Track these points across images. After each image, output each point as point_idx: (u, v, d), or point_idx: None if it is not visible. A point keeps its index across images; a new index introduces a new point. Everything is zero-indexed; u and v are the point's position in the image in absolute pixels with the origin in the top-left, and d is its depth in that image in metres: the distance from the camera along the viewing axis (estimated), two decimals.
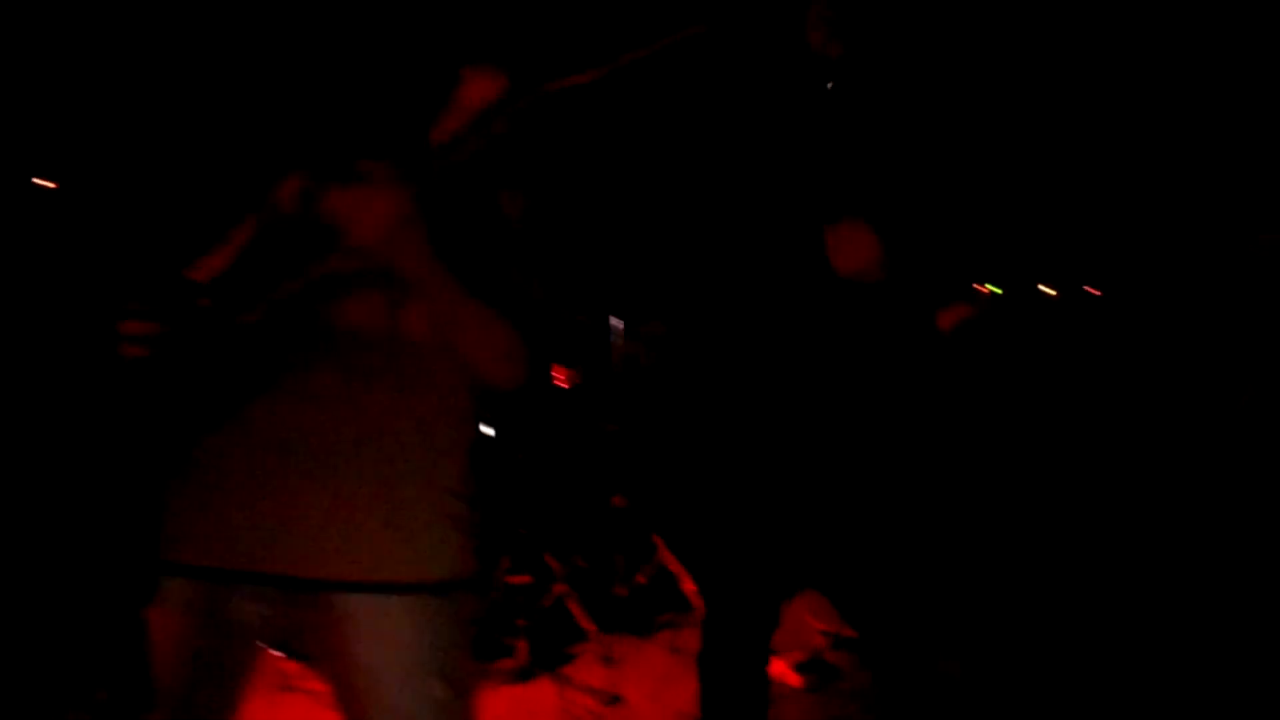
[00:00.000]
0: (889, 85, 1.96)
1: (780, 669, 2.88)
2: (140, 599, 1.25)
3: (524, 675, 2.91)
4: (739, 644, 2.12)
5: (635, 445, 3.56)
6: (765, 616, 2.13)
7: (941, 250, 2.02)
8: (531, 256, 1.32)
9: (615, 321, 3.47)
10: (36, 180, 2.85)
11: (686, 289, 2.10)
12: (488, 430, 3.25)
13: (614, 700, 2.76)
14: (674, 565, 3.43)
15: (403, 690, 1.19)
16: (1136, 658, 2.91)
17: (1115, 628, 3.13)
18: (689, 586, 3.35)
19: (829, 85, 1.93)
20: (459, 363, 1.27)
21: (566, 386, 3.32)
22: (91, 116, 3.28)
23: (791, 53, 1.95)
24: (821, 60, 1.92)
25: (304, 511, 1.19)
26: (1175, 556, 3.58)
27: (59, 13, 3.11)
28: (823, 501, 2.01)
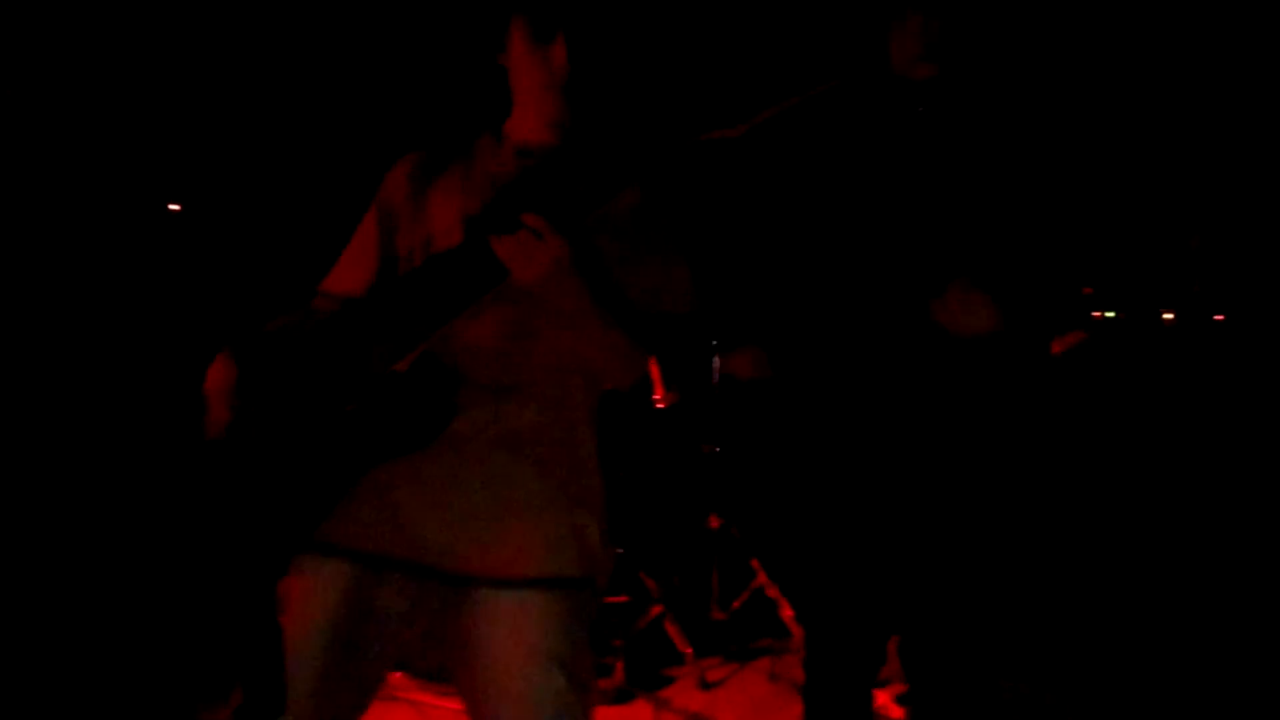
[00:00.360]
0: (982, 106, 1.91)
1: (883, 700, 2.81)
2: (273, 595, 1.32)
3: (621, 697, 2.91)
4: (843, 675, 2.09)
5: (734, 467, 3.53)
6: (869, 648, 2.09)
7: (1054, 281, 1.96)
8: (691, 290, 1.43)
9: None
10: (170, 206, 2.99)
11: (795, 317, 2.10)
12: None
13: None
14: (772, 590, 3.38)
15: (528, 679, 1.28)
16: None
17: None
18: (787, 613, 3.30)
19: (919, 109, 1.89)
20: (591, 382, 1.40)
21: (665, 407, 3.32)
22: (214, 139, 3.43)
23: (880, 82, 1.92)
24: (908, 85, 1.88)
25: (456, 511, 1.32)
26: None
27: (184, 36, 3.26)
28: (927, 529, 1.97)
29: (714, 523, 3.40)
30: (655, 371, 3.12)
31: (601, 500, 1.41)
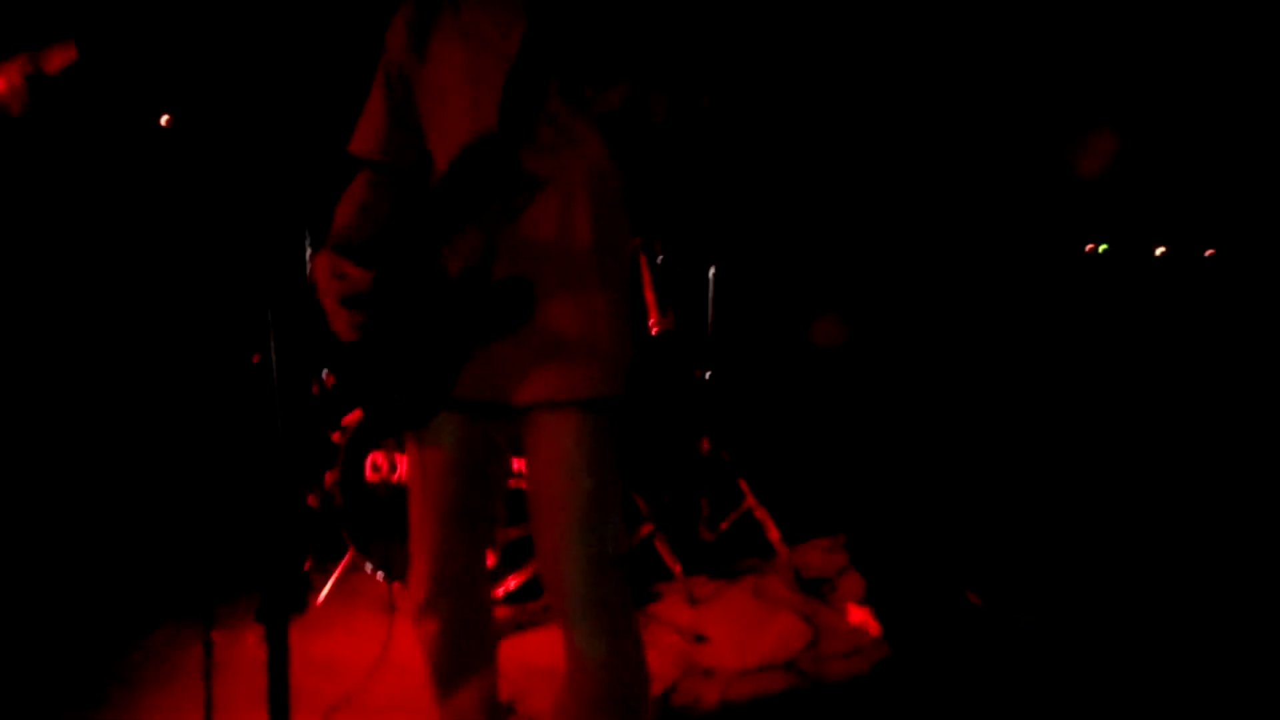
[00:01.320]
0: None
1: (861, 616, 2.92)
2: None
3: None
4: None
5: (725, 392, 3.59)
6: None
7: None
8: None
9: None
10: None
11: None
12: None
13: (699, 639, 2.84)
14: (760, 512, 3.47)
15: (560, 479, 1.56)
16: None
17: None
18: (773, 534, 3.39)
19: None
20: (620, 255, 1.62)
21: (659, 332, 3.35)
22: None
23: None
24: None
25: (508, 361, 1.57)
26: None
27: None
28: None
29: (705, 446, 3.47)
30: (650, 297, 3.14)
31: (627, 334, 1.63)
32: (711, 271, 3.42)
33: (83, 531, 3.29)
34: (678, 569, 3.17)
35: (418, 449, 1.68)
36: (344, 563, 2.98)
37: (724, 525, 3.49)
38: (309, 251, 3.08)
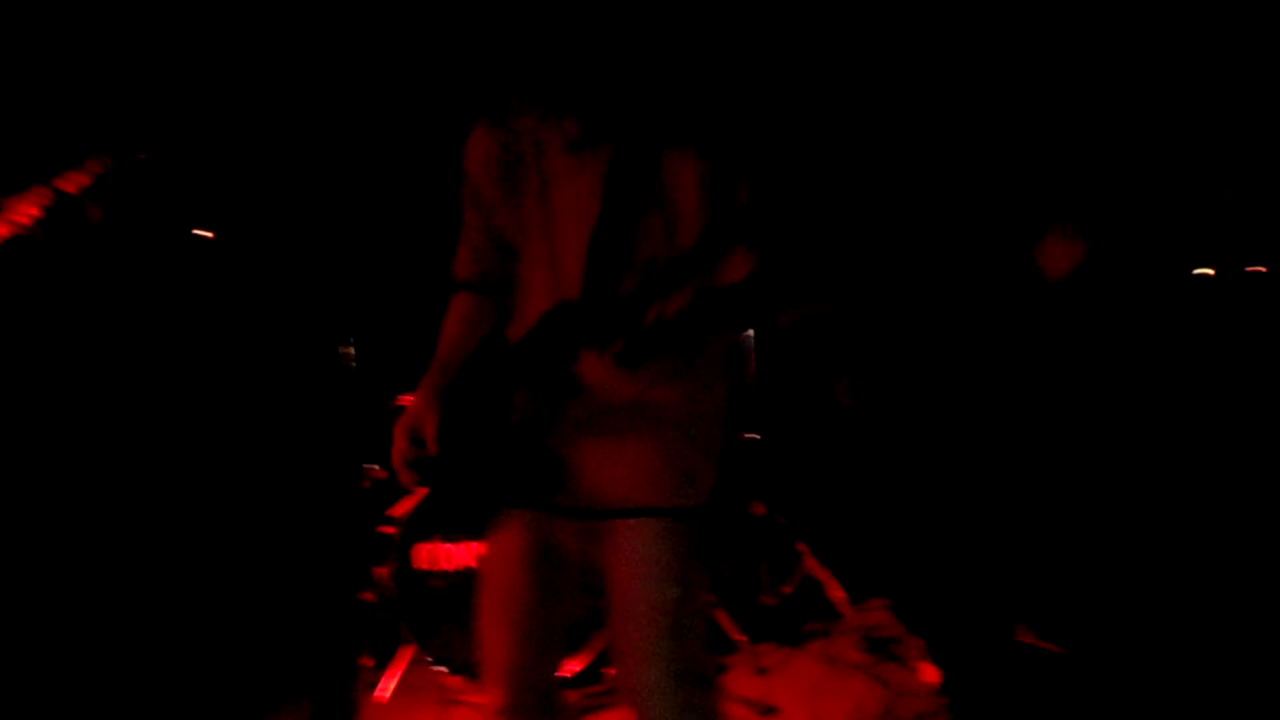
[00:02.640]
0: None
1: (935, 674, 2.82)
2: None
3: None
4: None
5: (775, 454, 3.54)
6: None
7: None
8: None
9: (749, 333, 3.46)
10: (197, 231, 3.06)
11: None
12: None
13: (769, 710, 2.75)
14: (819, 573, 3.39)
15: (647, 593, 1.53)
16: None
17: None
18: (837, 594, 3.31)
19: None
20: (722, 354, 1.62)
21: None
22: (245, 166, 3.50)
23: None
24: None
25: (594, 461, 1.57)
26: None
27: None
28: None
29: (758, 510, 3.41)
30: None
31: (718, 447, 1.63)
32: (750, 331, 3.40)
33: (130, 635, 3.29)
34: (742, 639, 3.10)
35: (489, 549, 1.69)
36: (405, 656, 2.95)
37: (786, 589, 3.41)
38: (352, 348, 3.13)
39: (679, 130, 1.52)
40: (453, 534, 2.88)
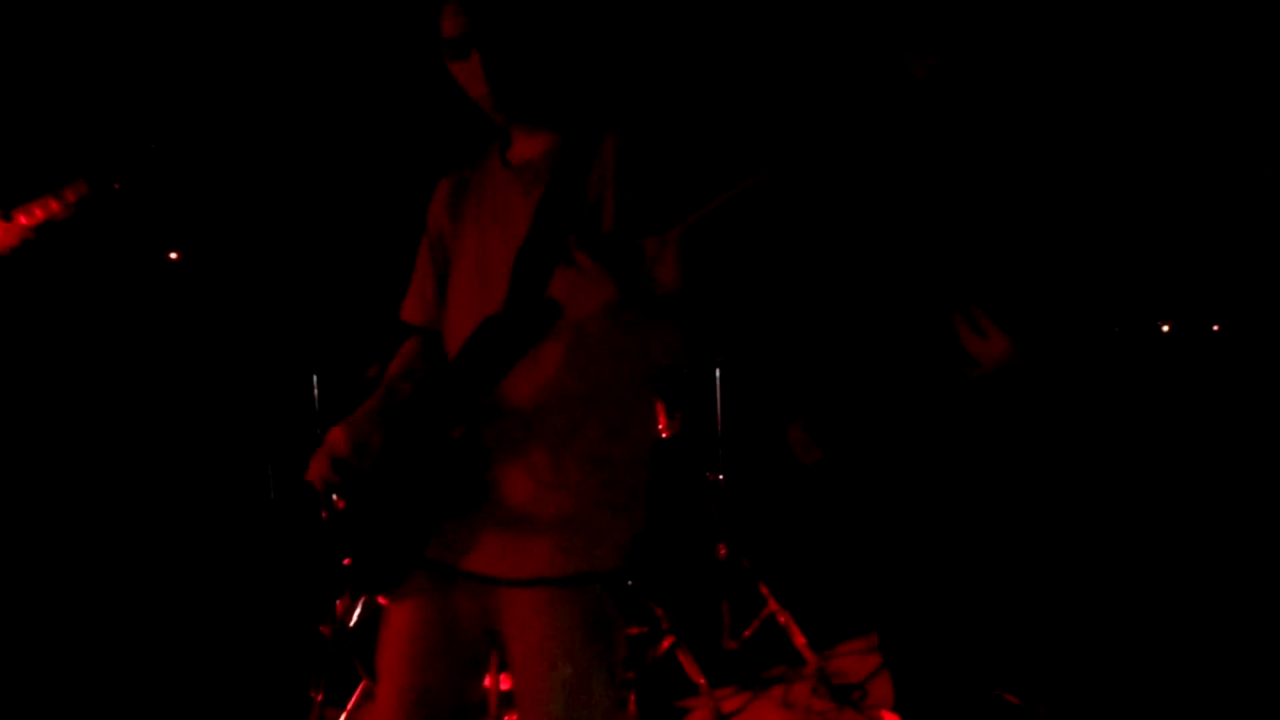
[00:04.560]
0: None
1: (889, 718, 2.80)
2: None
3: None
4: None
5: (740, 495, 3.53)
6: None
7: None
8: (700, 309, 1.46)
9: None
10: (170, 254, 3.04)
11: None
12: None
13: None
14: (783, 617, 3.37)
15: (540, 666, 1.43)
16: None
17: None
18: (800, 640, 3.29)
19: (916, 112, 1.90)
20: (634, 376, 1.50)
21: (668, 436, 3.33)
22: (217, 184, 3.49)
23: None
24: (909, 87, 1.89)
25: (486, 526, 1.46)
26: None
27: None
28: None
29: (722, 551, 3.39)
30: (658, 401, 3.13)
31: (636, 497, 1.51)
32: (718, 372, 3.41)
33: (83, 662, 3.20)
34: (702, 681, 3.06)
35: (391, 605, 1.55)
36: (358, 692, 2.88)
37: (747, 633, 3.38)
38: (315, 388, 3.10)
39: (616, 140, 1.46)
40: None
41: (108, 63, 3.21)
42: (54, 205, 2.19)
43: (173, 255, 2.89)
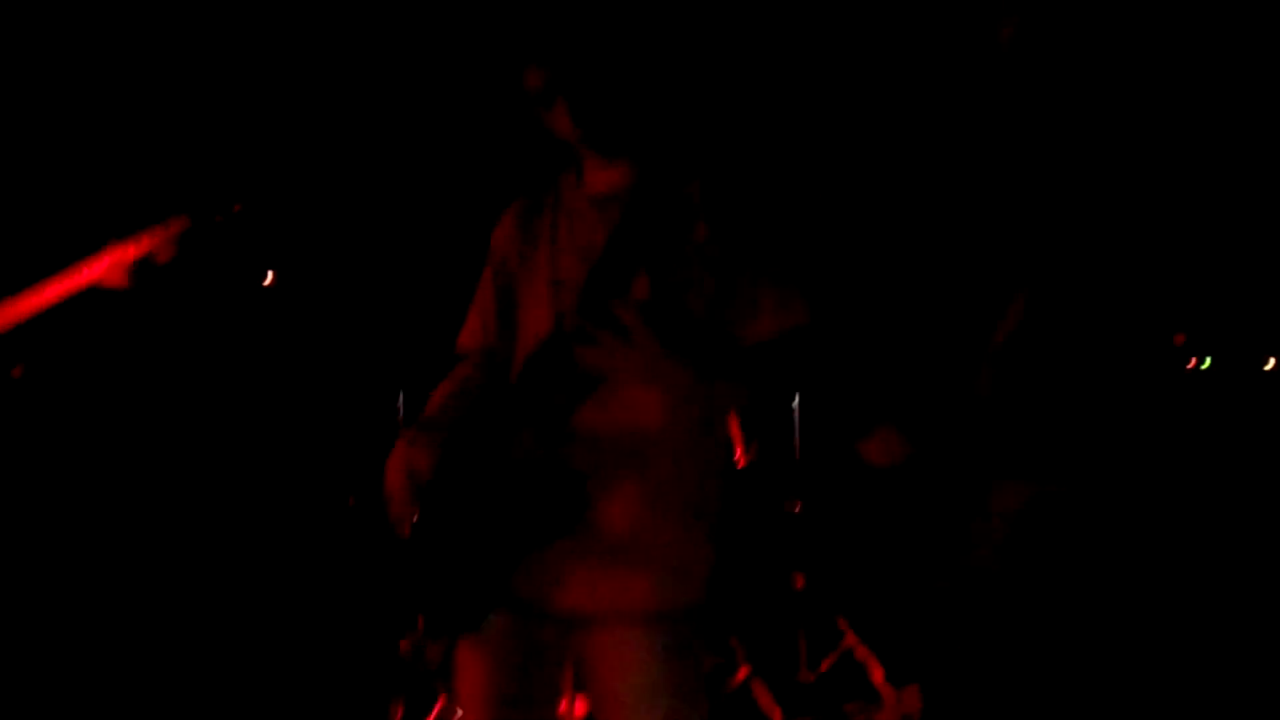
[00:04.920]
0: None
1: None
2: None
3: None
4: None
5: (817, 525, 3.50)
6: None
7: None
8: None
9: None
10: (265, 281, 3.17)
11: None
12: None
13: None
14: (861, 651, 3.31)
15: (627, 708, 1.41)
16: None
17: None
18: (878, 675, 3.22)
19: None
20: (703, 422, 1.48)
21: (745, 465, 3.32)
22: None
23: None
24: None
25: (576, 558, 1.43)
26: None
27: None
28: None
29: (799, 582, 3.36)
30: (735, 428, 3.13)
31: (713, 533, 1.50)
32: (796, 401, 3.39)
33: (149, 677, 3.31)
34: (778, 714, 3.02)
35: (468, 644, 1.52)
36: (436, 709, 2.92)
37: (824, 666, 3.33)
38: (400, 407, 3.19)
39: (696, 166, 1.46)
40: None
41: (206, 95, 3.37)
42: (155, 238, 2.29)
43: (268, 279, 3.02)
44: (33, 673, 2.88)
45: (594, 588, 1.43)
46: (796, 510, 3.43)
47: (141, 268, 2.32)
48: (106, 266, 2.32)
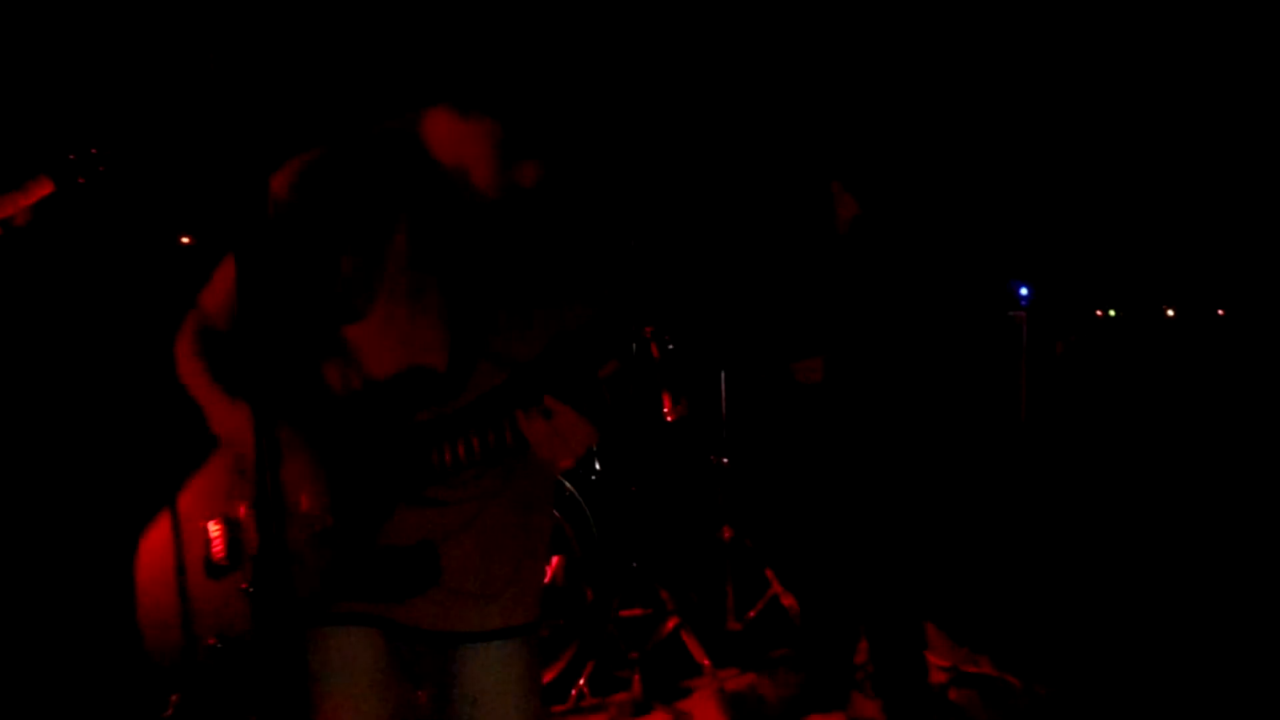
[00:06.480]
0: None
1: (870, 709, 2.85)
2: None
3: (639, 709, 2.93)
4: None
5: (744, 477, 3.56)
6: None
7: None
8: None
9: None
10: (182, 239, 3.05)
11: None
12: (596, 466, 3.30)
13: None
14: (787, 599, 3.41)
15: (513, 711, 1.49)
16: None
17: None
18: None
19: None
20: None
21: (674, 420, 3.35)
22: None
23: None
24: None
25: (437, 587, 1.46)
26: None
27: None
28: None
29: (727, 534, 3.43)
30: (663, 386, 3.15)
31: (546, 543, 1.58)
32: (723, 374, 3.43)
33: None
34: (707, 663, 3.10)
35: (321, 657, 1.46)
36: None
37: (751, 614, 3.42)
38: None
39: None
40: None
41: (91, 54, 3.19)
42: (20, 202, 2.15)
43: (184, 240, 2.90)
44: None
45: (454, 609, 1.47)
46: (724, 464, 3.49)
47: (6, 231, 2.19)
48: None
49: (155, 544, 1.43)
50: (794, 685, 3.06)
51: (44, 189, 2.13)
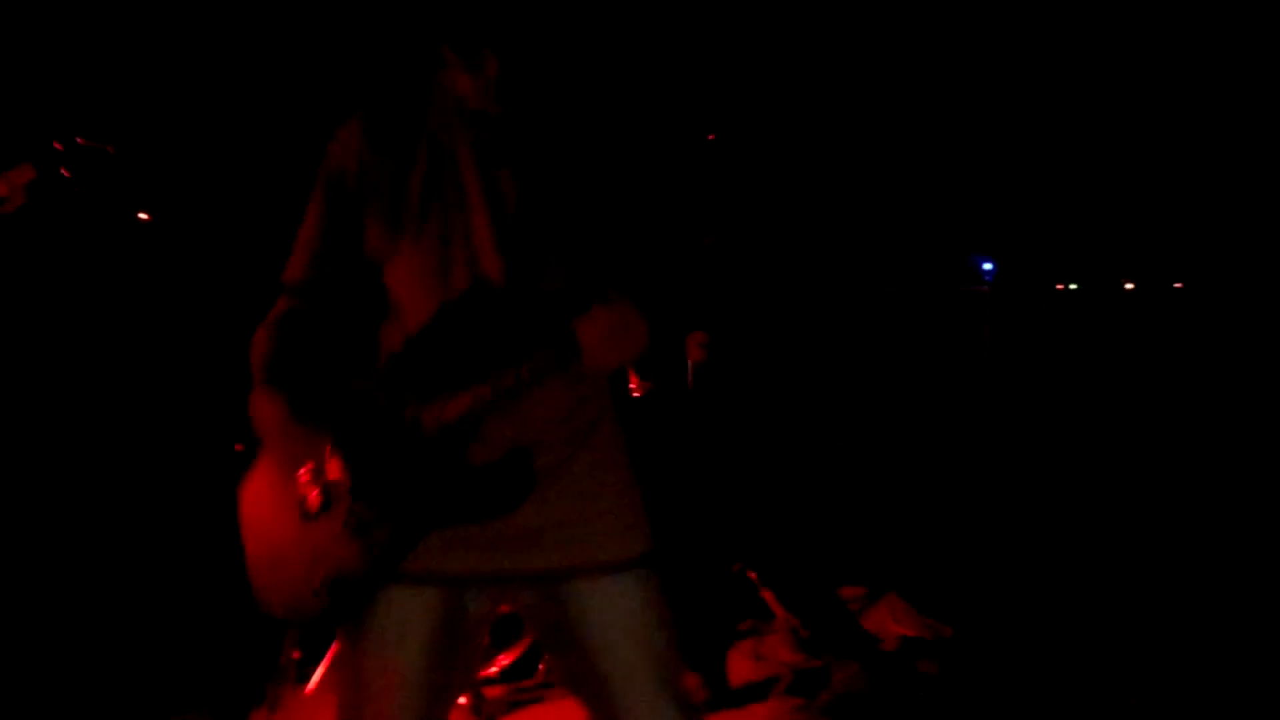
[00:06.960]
0: None
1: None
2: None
3: None
4: None
5: (705, 454, 3.57)
6: None
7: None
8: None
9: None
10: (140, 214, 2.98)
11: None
12: None
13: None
14: (751, 573, 3.43)
15: (646, 650, 1.37)
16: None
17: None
18: (767, 593, 3.35)
19: None
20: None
21: (640, 395, 3.35)
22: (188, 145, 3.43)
23: None
24: None
25: (533, 516, 1.36)
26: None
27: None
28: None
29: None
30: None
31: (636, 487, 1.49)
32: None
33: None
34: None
35: (362, 633, 1.39)
36: (334, 649, 2.91)
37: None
38: None
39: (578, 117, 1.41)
40: None
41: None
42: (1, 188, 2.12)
43: (142, 216, 2.83)
44: None
45: (563, 542, 1.38)
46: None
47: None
48: None
49: (257, 492, 1.43)
50: (760, 657, 3.10)
51: (25, 175, 2.08)
